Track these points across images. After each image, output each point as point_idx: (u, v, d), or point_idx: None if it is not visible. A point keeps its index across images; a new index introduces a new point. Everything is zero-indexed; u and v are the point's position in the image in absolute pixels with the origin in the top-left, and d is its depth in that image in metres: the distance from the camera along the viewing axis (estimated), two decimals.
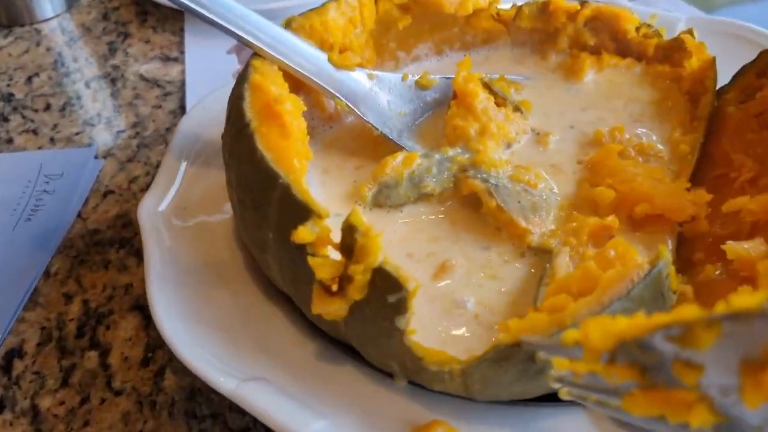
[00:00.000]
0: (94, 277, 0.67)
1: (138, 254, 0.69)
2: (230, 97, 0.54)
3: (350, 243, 0.42)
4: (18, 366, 0.60)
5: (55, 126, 0.88)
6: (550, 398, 0.43)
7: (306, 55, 0.57)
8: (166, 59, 1.00)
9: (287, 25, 0.58)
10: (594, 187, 0.54)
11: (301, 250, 0.44)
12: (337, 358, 0.48)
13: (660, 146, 0.58)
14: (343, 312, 0.43)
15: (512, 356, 0.40)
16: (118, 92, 0.94)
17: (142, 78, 0.96)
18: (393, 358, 0.44)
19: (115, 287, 0.66)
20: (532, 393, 0.44)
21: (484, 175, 0.56)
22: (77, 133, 0.87)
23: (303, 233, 0.43)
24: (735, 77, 0.60)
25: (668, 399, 0.30)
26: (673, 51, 0.64)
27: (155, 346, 0.60)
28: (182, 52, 1.00)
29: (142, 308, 0.64)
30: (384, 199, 0.56)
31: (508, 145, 0.61)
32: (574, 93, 0.65)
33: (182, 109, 0.89)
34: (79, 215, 0.74)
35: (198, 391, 0.56)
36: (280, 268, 0.47)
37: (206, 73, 0.94)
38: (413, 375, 0.45)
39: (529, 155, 0.60)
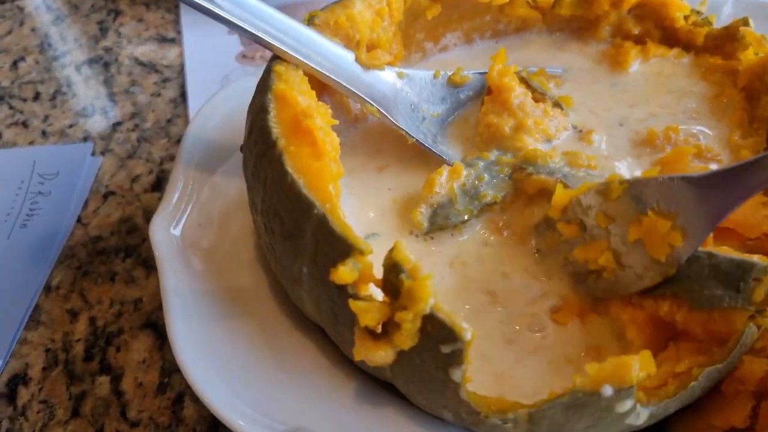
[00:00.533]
0: (100, 291, 0.62)
1: (146, 264, 0.64)
2: (252, 107, 0.48)
3: (395, 283, 0.38)
4: (24, 394, 0.55)
5: (46, 117, 0.82)
6: None
7: (332, 57, 0.51)
8: (162, 40, 0.93)
9: (309, 21, 0.52)
10: None
11: (341, 289, 0.39)
12: (379, 400, 0.44)
13: (717, 149, 0.54)
14: (389, 359, 0.39)
15: (590, 404, 0.37)
16: (112, 78, 0.87)
17: (138, 62, 0.89)
18: (446, 408, 0.40)
19: (123, 302, 0.61)
20: None
21: (545, 168, 0.52)
22: (71, 126, 0.80)
23: (344, 274, 0.38)
24: None
25: (592, 248, 0.46)
26: (725, 41, 0.59)
27: (171, 370, 0.56)
28: (179, 32, 0.93)
29: (154, 326, 0.59)
30: (444, 221, 0.51)
31: (548, 142, 0.56)
32: (621, 87, 0.60)
33: (183, 97, 0.83)
34: (78, 220, 0.69)
35: (221, 422, 0.52)
36: (317, 305, 0.43)
37: (207, 57, 0.88)
38: (470, 425, 0.41)
39: (568, 149, 0.55)
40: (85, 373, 0.56)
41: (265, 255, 0.50)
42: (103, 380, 0.56)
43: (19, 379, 0.56)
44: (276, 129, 0.44)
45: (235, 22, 0.48)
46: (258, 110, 0.47)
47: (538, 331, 0.46)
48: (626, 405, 0.37)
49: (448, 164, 0.54)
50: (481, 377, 0.42)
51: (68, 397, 0.55)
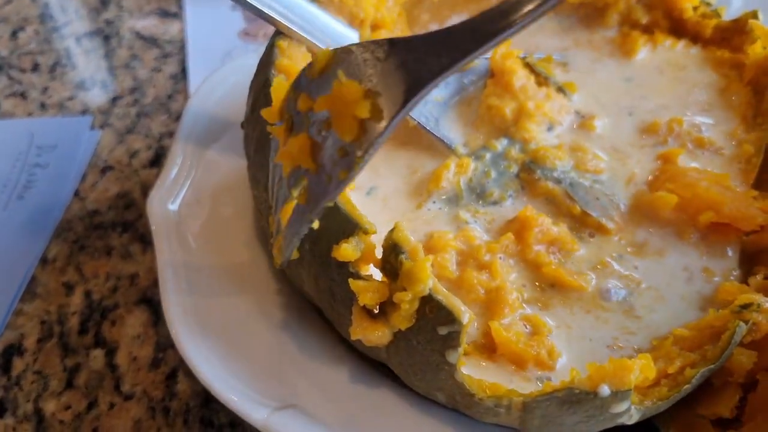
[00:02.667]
0: (96, 265, 0.62)
1: (143, 240, 0.64)
2: (254, 83, 0.48)
3: (394, 264, 0.38)
4: (18, 364, 0.56)
5: (45, 89, 0.81)
6: None
7: (336, 36, 0.50)
8: (164, 15, 0.92)
9: None
10: (654, 191, 0.50)
11: (342, 268, 0.39)
12: (373, 380, 0.44)
13: (720, 142, 0.53)
14: (385, 339, 0.39)
15: (585, 402, 0.37)
16: (113, 52, 0.86)
17: (139, 36, 0.89)
18: (440, 390, 0.41)
19: (119, 277, 0.61)
20: (591, 431, 0.40)
21: (552, 174, 0.52)
22: (70, 98, 0.80)
23: (346, 251, 0.38)
24: None
25: (291, 145, 0.36)
26: (733, 34, 0.59)
27: (165, 345, 0.56)
28: (181, 7, 0.92)
29: (150, 302, 0.59)
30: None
31: (550, 128, 0.56)
32: (628, 74, 0.59)
33: (183, 73, 0.82)
34: (76, 193, 0.68)
35: (214, 397, 0.52)
36: (316, 284, 0.43)
37: (208, 33, 0.87)
38: (463, 408, 0.41)
39: (573, 139, 0.56)
40: (79, 346, 0.56)
41: (264, 232, 0.50)
42: (98, 353, 0.56)
43: (14, 350, 0.56)
44: None
45: None
46: (262, 85, 0.46)
47: None
48: (622, 406, 0.38)
49: (449, 147, 0.54)
50: None
51: (62, 368, 0.55)
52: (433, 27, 0.63)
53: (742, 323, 0.40)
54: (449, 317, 0.37)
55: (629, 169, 0.53)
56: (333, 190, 0.34)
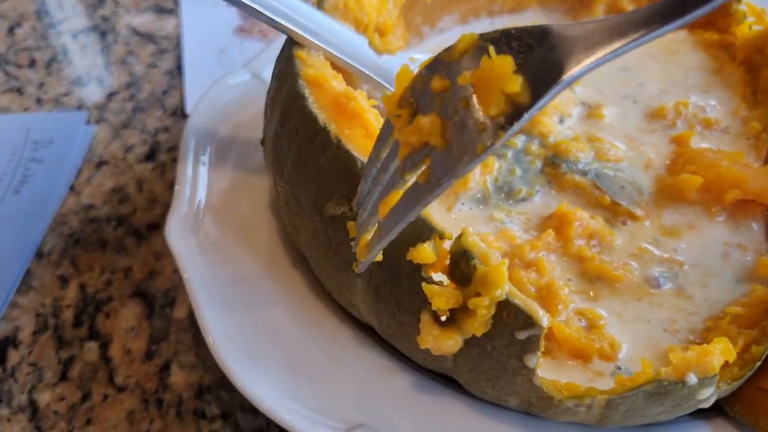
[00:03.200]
0: (91, 259, 0.63)
1: (137, 234, 0.65)
2: (278, 97, 0.47)
3: (465, 270, 0.37)
4: (13, 356, 0.56)
5: (42, 85, 0.82)
6: None
7: (349, 42, 0.51)
8: (160, 11, 0.92)
9: (319, 5, 0.51)
10: (675, 174, 0.52)
11: (414, 273, 0.39)
12: (435, 390, 0.44)
13: (726, 121, 0.56)
14: (457, 347, 0.39)
15: (673, 392, 0.38)
16: (109, 48, 0.87)
17: (135, 32, 0.89)
18: (515, 395, 0.41)
19: (113, 271, 0.62)
20: (669, 418, 0.41)
21: (576, 166, 0.53)
22: (66, 94, 0.80)
23: (425, 252, 0.38)
24: None
25: (418, 125, 0.33)
26: (718, 16, 0.61)
27: (159, 338, 0.57)
28: (177, 3, 0.93)
29: (143, 295, 0.60)
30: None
31: (561, 120, 0.58)
32: (623, 64, 0.61)
33: (179, 69, 0.82)
34: (71, 188, 0.69)
35: (207, 389, 0.53)
36: (376, 293, 0.42)
37: (204, 29, 0.87)
38: (538, 410, 0.41)
39: (585, 130, 0.57)
40: (74, 338, 0.57)
41: (295, 248, 0.50)
42: (92, 346, 0.57)
43: (9, 342, 0.57)
44: (321, 114, 0.43)
45: (255, 7, 0.47)
46: (292, 98, 0.45)
47: None
48: (707, 393, 0.38)
49: None
50: None
51: (57, 360, 0.56)
52: (426, 29, 0.63)
53: None
54: (528, 321, 0.37)
55: (645, 155, 0.55)
56: (467, 163, 0.32)
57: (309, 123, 0.44)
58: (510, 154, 0.55)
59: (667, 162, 0.54)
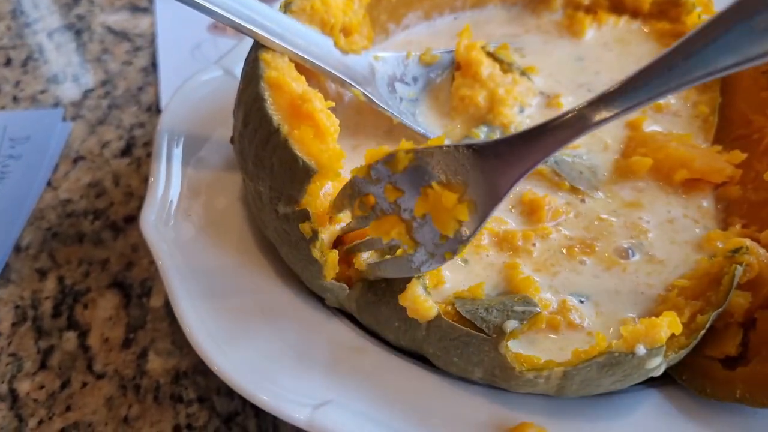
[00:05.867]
0: (68, 252, 0.64)
1: (114, 226, 0.66)
2: (243, 98, 0.49)
3: None
4: None
5: (18, 83, 0.83)
6: None
7: (315, 43, 0.52)
8: (135, 9, 0.93)
9: (286, 8, 0.53)
10: (628, 157, 0.55)
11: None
12: (401, 366, 0.46)
13: (677, 106, 0.59)
14: (433, 313, 0.43)
15: (624, 362, 0.40)
16: (84, 46, 0.88)
17: (110, 30, 0.90)
18: (479, 365, 0.43)
19: (91, 263, 0.63)
20: (622, 387, 0.44)
21: None
22: (42, 92, 0.81)
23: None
24: None
25: (383, 223, 0.43)
26: (669, 6, 0.63)
27: (136, 326, 0.58)
28: (151, 1, 0.94)
29: (120, 286, 0.61)
30: None
31: (521, 110, 0.60)
32: (579, 54, 0.64)
33: (154, 66, 0.84)
34: (48, 183, 0.70)
35: (184, 374, 0.55)
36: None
37: (178, 26, 0.89)
38: (501, 382, 0.44)
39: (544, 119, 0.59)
40: (53, 329, 0.58)
41: (265, 238, 0.52)
42: (71, 335, 0.58)
43: None
44: (276, 116, 0.45)
45: (219, 12, 0.49)
46: (253, 100, 0.47)
47: None
48: (656, 362, 0.41)
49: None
50: None
51: (36, 350, 0.57)
52: (392, 26, 0.65)
53: (738, 266, 0.44)
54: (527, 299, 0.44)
55: (602, 140, 0.58)
56: (437, 263, 0.43)
57: (265, 124, 0.46)
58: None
59: (622, 146, 0.56)
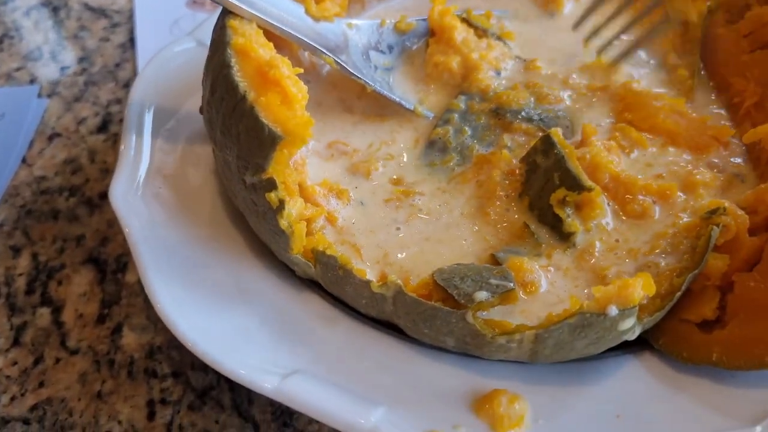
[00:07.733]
0: (43, 229, 0.63)
1: (90, 203, 0.65)
2: (210, 66, 0.48)
3: None
4: None
5: None
6: None
7: (285, 10, 0.51)
8: None
9: None
10: (617, 114, 0.55)
11: None
12: (373, 335, 0.45)
13: (655, 70, 0.58)
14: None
15: (596, 324, 0.39)
16: (62, 23, 0.86)
17: (87, 7, 0.88)
18: (450, 335, 0.42)
19: (66, 239, 0.62)
20: (597, 352, 0.43)
21: (520, 114, 0.55)
22: (18, 69, 0.80)
23: None
24: None
25: None
26: None
27: (111, 302, 0.57)
28: None
29: (95, 261, 0.60)
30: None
31: (498, 73, 0.59)
32: (559, 25, 0.63)
33: (131, 42, 0.82)
34: (23, 160, 0.69)
35: (158, 348, 0.54)
36: None
37: (156, 2, 0.87)
38: (474, 349, 0.43)
39: (522, 79, 0.59)
40: (26, 305, 0.58)
41: (233, 208, 0.52)
42: (44, 311, 0.57)
43: None
44: (243, 83, 0.44)
45: None
46: (220, 67, 0.46)
47: None
48: (628, 323, 0.40)
49: (409, 109, 0.56)
50: None
51: (9, 327, 0.56)
52: None
53: (714, 227, 0.43)
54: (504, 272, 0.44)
55: (587, 97, 0.57)
56: None
57: (232, 91, 0.44)
58: (456, 116, 0.56)
59: (611, 104, 0.56)
